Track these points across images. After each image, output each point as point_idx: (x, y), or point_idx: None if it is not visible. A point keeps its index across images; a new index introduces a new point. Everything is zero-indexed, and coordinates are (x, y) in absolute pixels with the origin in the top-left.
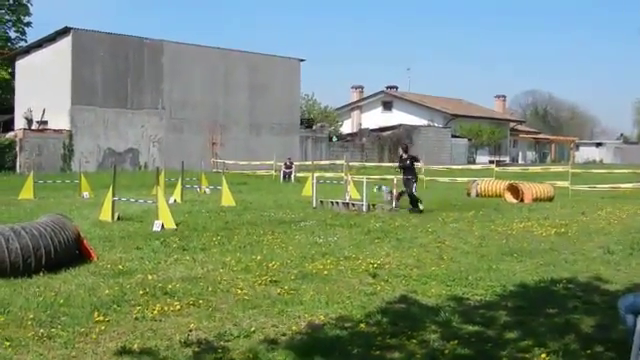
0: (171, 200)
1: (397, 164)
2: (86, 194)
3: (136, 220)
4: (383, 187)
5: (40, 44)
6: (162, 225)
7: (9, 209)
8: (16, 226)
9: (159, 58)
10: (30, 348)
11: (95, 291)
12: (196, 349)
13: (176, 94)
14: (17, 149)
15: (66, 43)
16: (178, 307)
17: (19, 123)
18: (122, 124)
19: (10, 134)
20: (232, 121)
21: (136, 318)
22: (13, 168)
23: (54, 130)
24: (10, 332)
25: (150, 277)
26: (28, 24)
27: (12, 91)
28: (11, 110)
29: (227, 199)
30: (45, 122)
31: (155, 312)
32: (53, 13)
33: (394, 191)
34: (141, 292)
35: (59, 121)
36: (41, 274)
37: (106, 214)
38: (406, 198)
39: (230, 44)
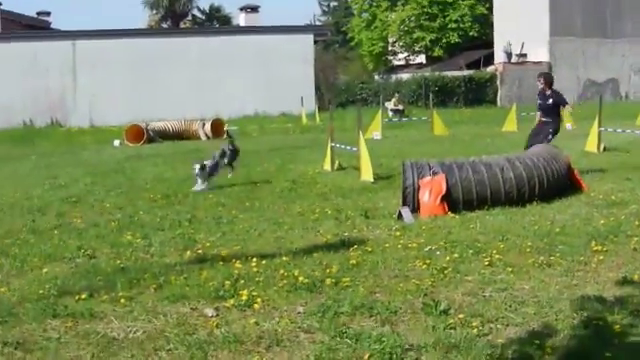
0: None
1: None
2: (569, 125)
3: (622, 151)
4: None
5: None
6: None
7: (494, 141)
8: (511, 156)
9: None
10: (531, 274)
11: (590, 221)
12: None
13: None
14: (497, 82)
15: None
16: None
17: (499, 57)
18: (602, 54)
19: (490, 68)
20: None
21: (634, 249)
22: (494, 101)
23: (533, 62)
24: (510, 258)
25: None
26: None
27: (490, 26)
28: (490, 45)
29: None
30: (524, 55)
31: None
32: None
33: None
34: (637, 223)
35: (538, 53)
36: (534, 203)
37: (592, 145)
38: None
39: None
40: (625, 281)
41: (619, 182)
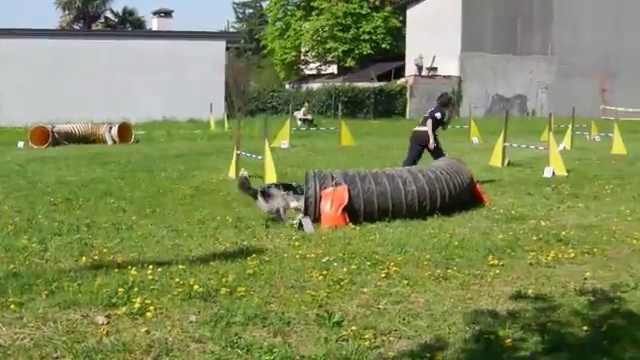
0: (561, 147)
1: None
2: (475, 139)
3: (526, 166)
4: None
5: None
6: (553, 172)
7: (401, 153)
8: (413, 169)
9: (549, 1)
10: (427, 287)
11: (488, 235)
12: (591, 298)
13: (566, 39)
14: (407, 95)
15: None
16: (572, 255)
17: (409, 70)
18: (510, 70)
19: (401, 80)
20: (623, 66)
21: (530, 264)
22: (403, 113)
23: (443, 76)
24: (408, 271)
25: (543, 223)
26: None
27: (403, 39)
28: (402, 57)
29: (619, 147)
30: (435, 68)
31: (549, 258)
32: None
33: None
34: (534, 238)
35: (448, 67)
36: (435, 216)
37: (496, 159)
38: None
39: None
40: (519, 295)
41: (520, 197)
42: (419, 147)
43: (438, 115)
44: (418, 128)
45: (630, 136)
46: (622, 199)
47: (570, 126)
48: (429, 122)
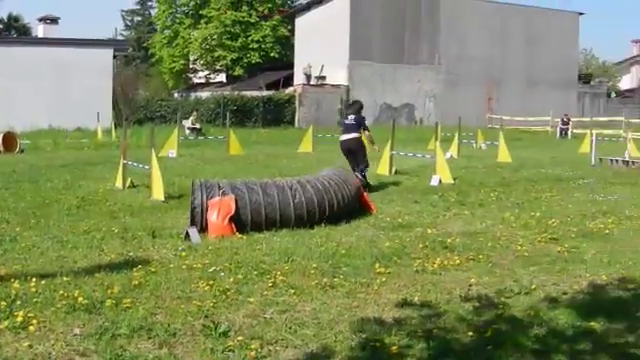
0: (447, 155)
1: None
2: None
3: (413, 174)
4: None
5: (319, 1)
6: (440, 180)
7: (290, 162)
8: (302, 179)
9: (436, 12)
10: (313, 296)
11: (375, 243)
12: (476, 304)
13: (453, 49)
14: (296, 104)
15: None
16: (458, 261)
17: (298, 79)
18: (398, 79)
19: (290, 89)
20: (507, 76)
21: (416, 271)
22: (292, 122)
23: (332, 85)
24: (294, 280)
25: (429, 231)
26: None
27: (292, 48)
28: (291, 66)
29: (504, 155)
30: (323, 77)
31: (435, 266)
32: None
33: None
34: (421, 245)
35: (337, 76)
36: (322, 225)
37: (384, 168)
38: None
39: None
40: (405, 303)
41: (407, 205)
42: (354, 152)
43: (366, 122)
44: (349, 136)
45: (514, 144)
46: (507, 206)
47: (457, 134)
48: (363, 130)
